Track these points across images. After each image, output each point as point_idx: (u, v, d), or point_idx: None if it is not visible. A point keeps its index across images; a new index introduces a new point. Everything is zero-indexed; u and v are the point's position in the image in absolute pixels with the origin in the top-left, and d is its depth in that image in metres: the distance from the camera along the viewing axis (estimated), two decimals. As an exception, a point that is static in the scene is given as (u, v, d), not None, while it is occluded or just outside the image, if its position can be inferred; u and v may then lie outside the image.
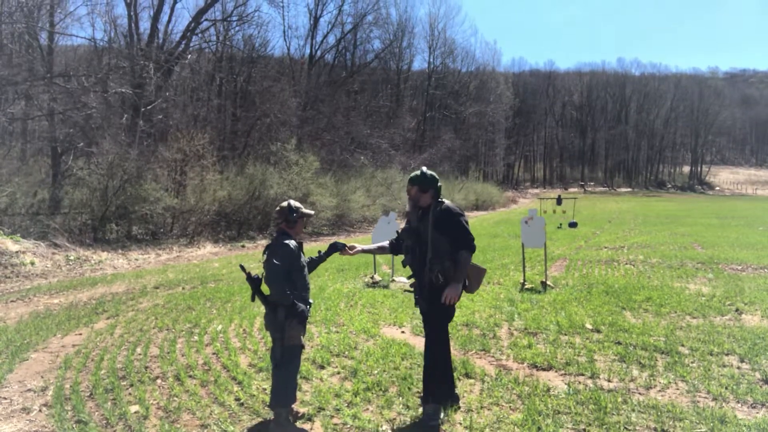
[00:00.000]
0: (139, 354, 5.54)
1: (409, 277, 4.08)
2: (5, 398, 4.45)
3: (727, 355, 5.05)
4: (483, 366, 4.92)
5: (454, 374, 4.15)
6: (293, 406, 3.81)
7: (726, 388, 4.21)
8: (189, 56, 27.22)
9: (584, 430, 3.61)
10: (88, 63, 23.94)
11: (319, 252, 4.18)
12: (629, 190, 77.39)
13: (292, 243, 3.77)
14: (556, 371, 4.76)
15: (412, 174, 3.90)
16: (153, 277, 11.18)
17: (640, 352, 5.14)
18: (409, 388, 4.37)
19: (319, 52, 41.14)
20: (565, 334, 5.85)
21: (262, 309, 3.92)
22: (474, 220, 30.64)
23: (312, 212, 4.10)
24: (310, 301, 3.84)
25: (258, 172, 21.75)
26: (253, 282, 3.80)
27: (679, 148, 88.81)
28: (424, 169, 3.89)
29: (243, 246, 18.39)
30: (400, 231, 4.04)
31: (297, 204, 3.97)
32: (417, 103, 57.14)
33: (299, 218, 3.93)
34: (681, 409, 3.85)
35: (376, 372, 4.76)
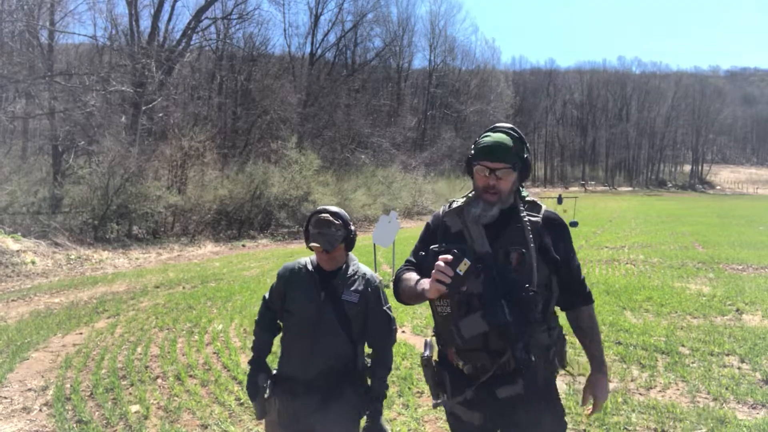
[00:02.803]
0: (140, 353, 5.54)
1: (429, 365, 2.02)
2: (6, 397, 4.46)
3: (727, 355, 5.04)
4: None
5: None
6: None
7: (726, 389, 4.20)
8: (189, 54, 27.21)
9: (584, 430, 3.60)
10: (89, 61, 23.94)
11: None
12: (630, 189, 77.31)
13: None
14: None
15: (493, 137, 1.90)
16: (154, 276, 11.18)
17: (640, 352, 5.14)
18: (409, 388, 4.36)
19: (319, 51, 41.14)
20: (566, 334, 5.84)
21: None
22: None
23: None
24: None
25: (259, 170, 21.75)
26: None
27: (680, 146, 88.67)
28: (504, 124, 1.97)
29: (244, 245, 18.39)
30: (425, 256, 1.93)
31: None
32: (418, 102, 57.08)
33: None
34: (681, 409, 3.85)
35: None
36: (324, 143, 31.90)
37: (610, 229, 21.27)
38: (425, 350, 2.00)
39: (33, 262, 12.28)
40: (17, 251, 12.45)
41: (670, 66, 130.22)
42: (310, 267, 2.49)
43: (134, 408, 4.13)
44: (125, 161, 17.28)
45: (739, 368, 4.69)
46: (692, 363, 4.84)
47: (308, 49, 40.82)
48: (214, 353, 5.53)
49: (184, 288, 9.51)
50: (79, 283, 10.51)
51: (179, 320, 6.95)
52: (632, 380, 4.46)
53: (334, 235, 2.40)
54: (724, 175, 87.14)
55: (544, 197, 39.80)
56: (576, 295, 2.01)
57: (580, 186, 76.29)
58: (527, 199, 1.97)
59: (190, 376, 4.86)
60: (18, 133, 20.85)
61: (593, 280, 9.05)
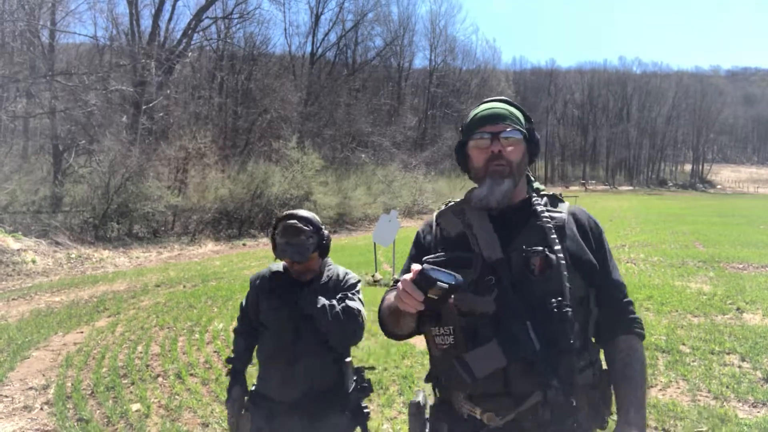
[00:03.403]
0: (141, 352, 5.55)
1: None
2: (7, 396, 4.46)
3: (728, 353, 5.04)
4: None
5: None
6: None
7: (727, 387, 4.20)
8: (190, 54, 27.22)
9: (585, 429, 3.60)
10: (89, 61, 23.93)
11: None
12: (630, 188, 77.24)
13: None
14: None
15: (490, 104, 1.56)
16: (154, 275, 11.19)
17: (641, 351, 5.13)
18: (409, 387, 4.37)
19: (320, 50, 41.10)
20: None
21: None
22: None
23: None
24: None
25: (259, 170, 21.77)
26: None
27: (681, 146, 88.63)
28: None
29: (244, 244, 18.40)
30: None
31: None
32: (418, 101, 57.07)
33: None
34: (682, 408, 3.84)
35: (376, 371, 4.76)
36: (324, 142, 31.90)
37: (610, 228, 21.27)
38: (416, 397, 1.54)
39: (34, 261, 12.29)
40: (18, 250, 12.46)
41: (671, 66, 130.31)
42: (283, 275, 2.27)
43: (135, 406, 4.14)
44: (126, 160, 17.29)
45: (739, 367, 4.68)
46: (693, 362, 4.84)
47: (309, 49, 40.81)
48: (215, 352, 5.54)
49: (184, 287, 9.52)
50: (80, 281, 10.52)
51: (180, 319, 6.95)
52: (633, 379, 4.46)
53: (305, 244, 2.12)
54: (724, 175, 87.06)
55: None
56: (616, 322, 1.46)
57: (581, 185, 76.25)
58: (543, 192, 1.55)
59: (191, 374, 4.87)
60: (19, 133, 20.86)
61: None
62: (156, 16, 24.91)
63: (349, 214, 25.79)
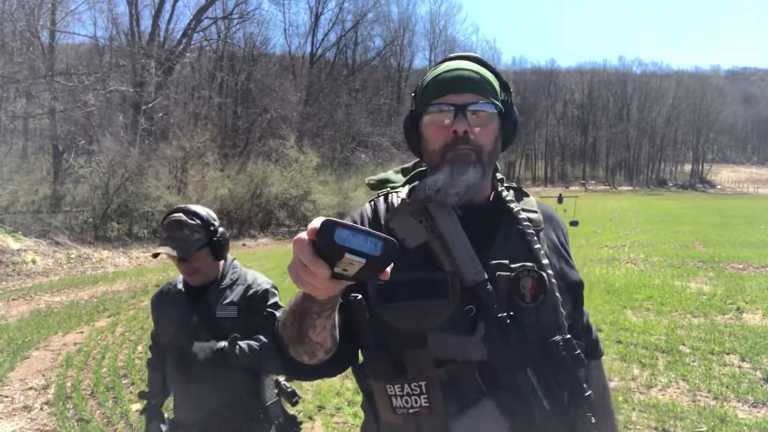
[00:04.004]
0: (141, 352, 5.55)
1: None
2: (7, 396, 4.46)
3: (728, 354, 5.04)
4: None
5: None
6: None
7: (727, 387, 4.20)
8: (190, 54, 27.22)
9: None
10: (89, 61, 23.94)
11: None
12: (630, 188, 77.25)
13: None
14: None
15: (455, 63, 1.13)
16: (154, 275, 11.19)
17: (641, 351, 5.13)
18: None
19: (320, 50, 41.12)
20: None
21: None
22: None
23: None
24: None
25: (259, 169, 21.78)
26: None
27: (681, 146, 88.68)
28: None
29: (244, 245, 18.40)
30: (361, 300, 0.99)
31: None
32: (418, 101, 57.21)
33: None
34: (682, 408, 3.85)
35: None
36: (324, 142, 31.91)
37: (610, 228, 21.27)
38: None
39: (34, 261, 12.29)
40: (18, 250, 12.46)
41: (671, 66, 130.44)
42: (179, 285, 2.00)
43: (135, 407, 4.13)
44: (125, 160, 17.30)
45: (739, 367, 4.69)
46: (693, 362, 4.85)
47: (308, 49, 40.83)
48: (215, 352, 5.54)
49: (184, 287, 9.51)
50: (80, 282, 10.53)
51: (180, 319, 6.95)
52: (633, 379, 4.46)
53: (188, 240, 1.86)
54: (724, 175, 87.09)
55: (544, 196, 39.74)
56: (587, 346, 1.15)
57: (581, 185, 76.27)
58: (506, 183, 1.18)
59: (191, 374, 4.87)
60: (18, 133, 20.86)
61: (593, 280, 9.03)
62: (156, 16, 24.94)
63: (348, 214, 25.70)
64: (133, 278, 10.73)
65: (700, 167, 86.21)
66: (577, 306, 1.14)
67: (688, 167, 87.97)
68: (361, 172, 30.35)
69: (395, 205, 1.11)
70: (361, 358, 1.07)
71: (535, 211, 1.13)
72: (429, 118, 1.06)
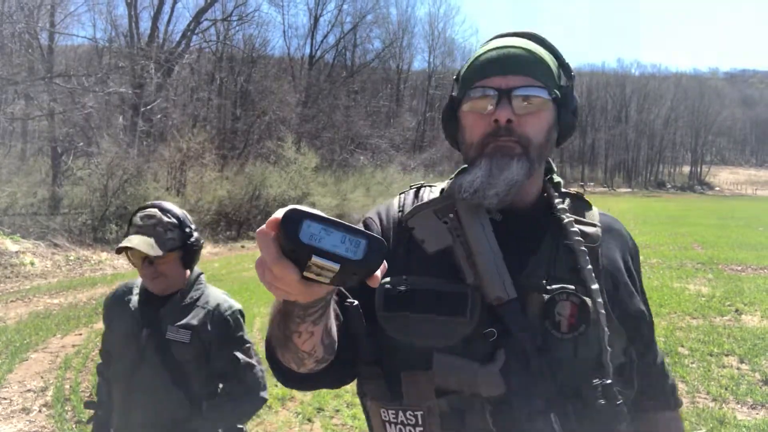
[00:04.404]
0: (139, 354, 5.54)
1: None
2: (5, 398, 4.45)
3: (726, 355, 5.04)
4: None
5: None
6: None
7: (726, 389, 4.20)
8: (189, 56, 27.23)
9: None
10: (88, 63, 23.95)
11: None
12: (629, 190, 77.33)
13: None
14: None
15: (505, 41, 0.94)
16: (153, 277, 11.17)
17: (639, 353, 5.13)
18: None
19: (318, 52, 41.18)
20: None
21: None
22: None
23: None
24: None
25: (258, 171, 21.79)
26: None
27: (679, 148, 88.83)
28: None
29: (243, 246, 18.39)
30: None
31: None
32: (417, 103, 57.19)
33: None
34: (681, 409, 3.84)
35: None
36: (323, 144, 31.94)
37: (609, 230, 21.24)
38: None
39: (32, 263, 12.27)
40: (16, 252, 12.44)
41: (670, 68, 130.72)
42: (135, 291, 1.82)
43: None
44: (124, 162, 17.30)
45: (738, 369, 4.69)
46: (691, 363, 4.85)
47: (307, 51, 40.89)
48: (214, 354, 5.53)
49: (183, 289, 9.50)
50: (79, 284, 10.51)
51: (178, 321, 6.94)
52: (632, 381, 4.46)
53: (161, 237, 1.62)
54: (723, 177, 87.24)
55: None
56: (656, 394, 1.04)
57: (580, 187, 76.09)
58: (563, 189, 1.06)
59: (190, 376, 4.86)
60: (17, 135, 20.87)
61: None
62: (155, 18, 24.96)
63: (348, 216, 25.80)
64: (131, 280, 10.71)
65: (699, 169, 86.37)
66: (636, 343, 0.94)
67: (686, 169, 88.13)
68: (360, 174, 30.39)
69: (425, 201, 0.97)
70: None
71: (594, 225, 0.97)
72: (469, 105, 0.92)
